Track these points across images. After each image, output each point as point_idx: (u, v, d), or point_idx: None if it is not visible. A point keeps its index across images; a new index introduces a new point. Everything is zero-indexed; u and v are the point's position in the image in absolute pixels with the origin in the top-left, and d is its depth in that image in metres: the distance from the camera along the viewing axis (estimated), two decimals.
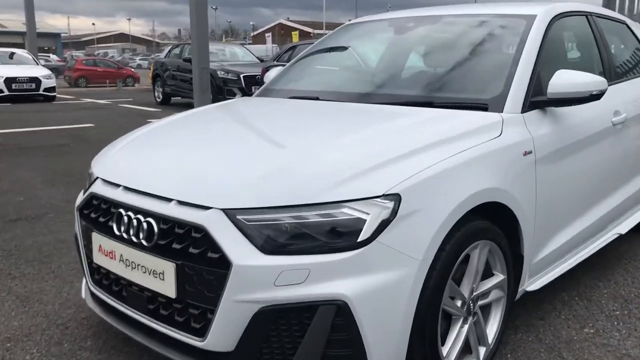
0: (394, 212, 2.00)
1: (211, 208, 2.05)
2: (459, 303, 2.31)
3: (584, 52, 3.67)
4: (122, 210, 2.30)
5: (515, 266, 2.59)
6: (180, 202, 2.14)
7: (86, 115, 13.42)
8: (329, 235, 1.96)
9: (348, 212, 1.97)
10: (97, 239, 2.42)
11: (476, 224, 2.28)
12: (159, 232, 2.15)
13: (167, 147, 2.65)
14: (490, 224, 2.36)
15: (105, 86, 27.46)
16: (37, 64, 18.33)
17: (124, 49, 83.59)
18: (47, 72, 17.42)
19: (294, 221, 1.97)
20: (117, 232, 2.30)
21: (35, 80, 16.73)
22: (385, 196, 2.01)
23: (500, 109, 2.63)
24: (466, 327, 2.35)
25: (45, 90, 16.90)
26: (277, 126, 2.80)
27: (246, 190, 2.06)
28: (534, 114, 2.72)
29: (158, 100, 16.39)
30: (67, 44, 78.72)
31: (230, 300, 1.97)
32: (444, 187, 2.14)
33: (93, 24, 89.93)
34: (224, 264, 1.97)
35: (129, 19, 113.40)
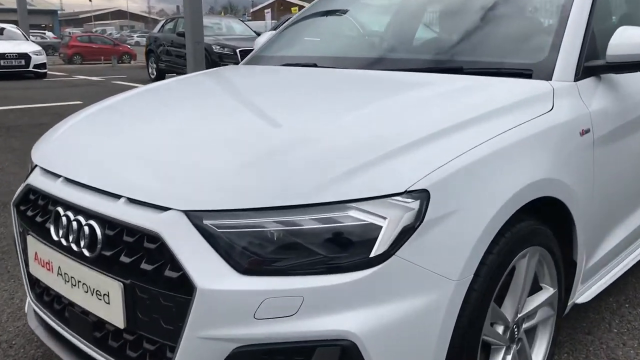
0: (421, 216, 1.45)
1: (170, 209, 1.50)
2: (500, 329, 1.77)
3: None
4: (60, 209, 1.75)
5: (566, 276, 2.04)
6: (131, 201, 1.59)
7: (76, 92, 12.82)
8: (330, 248, 1.41)
9: (357, 217, 1.42)
10: (33, 243, 1.87)
11: (525, 225, 1.72)
12: (104, 239, 1.61)
13: (125, 127, 2.08)
14: (540, 225, 1.81)
15: (100, 63, 26.76)
16: (27, 40, 17.64)
17: (122, 26, 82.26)
18: (37, 48, 16.74)
19: (282, 228, 1.42)
20: (54, 237, 1.75)
21: (25, 57, 16.05)
22: (408, 194, 1.45)
23: (548, 76, 2.05)
24: (509, 358, 1.81)
25: (36, 66, 16.24)
26: (265, 101, 2.22)
27: (218, 187, 1.51)
28: (588, 82, 2.14)
29: (152, 76, 15.75)
30: (64, 22, 77.58)
31: (193, 336, 1.43)
32: (486, 180, 1.58)
33: (90, 0, 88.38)
34: (186, 286, 1.43)
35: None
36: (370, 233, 1.42)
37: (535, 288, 1.93)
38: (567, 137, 1.91)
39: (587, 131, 2.00)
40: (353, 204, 1.43)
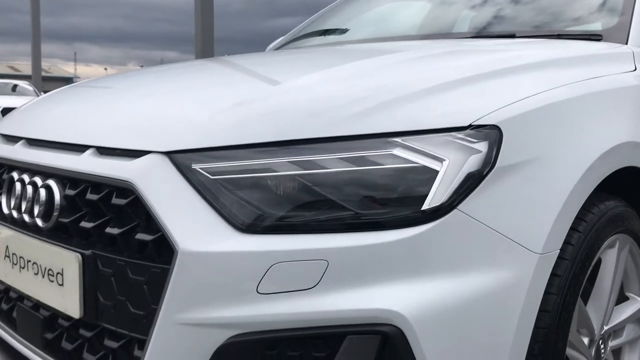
0: (491, 160, 1.05)
1: (147, 153, 1.11)
2: (586, 340, 1.33)
3: None
4: (15, 174, 1.36)
5: None
6: (99, 151, 1.20)
7: None
8: (365, 200, 1.00)
9: (403, 156, 1.02)
10: None
11: (612, 205, 1.31)
12: (62, 203, 1.21)
13: (100, 92, 1.69)
14: (629, 209, 1.39)
15: None
16: (38, 96, 17.67)
17: None
18: None
19: (297, 171, 1.02)
20: (5, 210, 1.36)
21: None
22: (473, 130, 1.06)
23: (622, 41, 1.69)
24: None
25: None
26: (274, 60, 1.84)
27: (211, 121, 1.12)
28: None
29: None
30: None
31: (171, 321, 1.01)
32: (570, 128, 1.19)
33: (105, 69, 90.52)
34: (165, 251, 1.02)
35: (142, 66, 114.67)
36: (422, 179, 1.02)
37: (620, 297, 1.49)
38: None
39: None
40: (397, 139, 1.03)
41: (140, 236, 1.07)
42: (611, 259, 1.35)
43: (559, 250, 1.11)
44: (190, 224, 1.03)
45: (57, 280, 1.19)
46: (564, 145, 1.15)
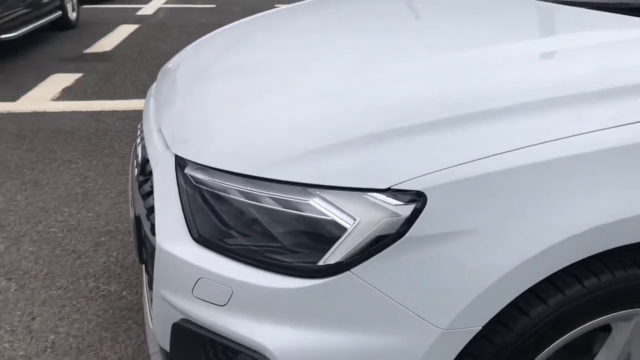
0: (406, 227, 1.01)
1: (169, 148, 1.35)
2: None
3: None
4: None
5: None
6: (158, 132, 1.48)
7: None
8: (279, 237, 1.09)
9: (318, 208, 1.06)
10: None
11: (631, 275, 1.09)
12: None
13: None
14: None
15: None
16: None
17: None
18: None
19: (239, 198, 1.14)
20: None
21: None
22: (395, 192, 1.02)
23: None
24: None
25: None
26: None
27: (206, 138, 1.28)
28: None
29: None
30: None
31: (158, 291, 1.30)
32: (529, 199, 1.02)
33: None
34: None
35: None
36: (329, 233, 1.05)
37: None
38: None
39: None
40: (317, 190, 1.06)
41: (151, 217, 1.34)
42: (625, 330, 1.15)
43: (479, 328, 1.04)
44: (169, 221, 1.26)
45: None
46: (507, 224, 1.01)
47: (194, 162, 1.24)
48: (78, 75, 5.32)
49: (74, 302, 2.17)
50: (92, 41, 6.82)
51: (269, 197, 1.10)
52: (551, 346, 1.11)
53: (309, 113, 1.20)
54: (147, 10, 9.29)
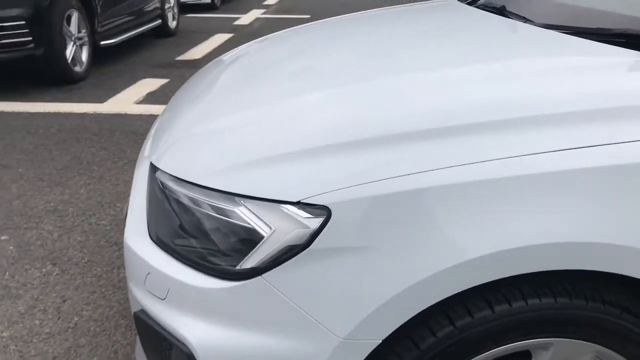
0: (311, 238, 1.08)
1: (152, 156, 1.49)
2: None
3: None
4: None
5: None
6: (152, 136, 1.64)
7: None
8: (206, 241, 1.19)
9: (243, 216, 1.15)
10: None
11: (548, 303, 1.09)
12: None
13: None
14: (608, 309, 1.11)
15: None
16: None
17: None
18: None
19: (187, 203, 1.25)
20: None
21: None
22: (305, 205, 1.09)
23: None
24: None
25: None
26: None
27: (166, 146, 1.41)
28: None
29: None
30: None
31: (128, 280, 1.43)
32: (435, 220, 1.05)
33: None
34: None
35: None
36: (250, 240, 1.13)
37: None
38: None
39: None
40: (243, 201, 1.15)
41: None
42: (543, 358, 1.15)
43: (379, 341, 1.08)
44: (137, 217, 1.40)
45: None
46: (406, 243, 1.04)
47: (160, 169, 1.36)
48: (165, 80, 5.69)
49: (103, 290, 2.37)
50: (185, 49, 7.24)
51: (207, 203, 1.20)
52: None
53: (242, 131, 1.30)
54: (244, 20, 9.71)
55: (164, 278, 1.24)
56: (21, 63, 5.26)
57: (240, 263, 1.13)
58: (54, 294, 2.35)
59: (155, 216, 1.33)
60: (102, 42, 6.15)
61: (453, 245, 1.03)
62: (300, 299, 1.09)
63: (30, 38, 5.00)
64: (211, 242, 1.18)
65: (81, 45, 5.74)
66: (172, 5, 8.24)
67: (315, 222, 1.08)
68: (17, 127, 4.35)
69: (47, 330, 2.14)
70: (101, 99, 5.05)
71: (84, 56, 5.78)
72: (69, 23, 5.46)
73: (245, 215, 1.14)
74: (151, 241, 1.32)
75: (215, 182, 1.19)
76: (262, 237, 1.12)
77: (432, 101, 1.21)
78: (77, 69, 5.62)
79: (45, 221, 2.93)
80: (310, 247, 1.07)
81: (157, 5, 7.60)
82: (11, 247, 2.69)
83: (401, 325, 1.11)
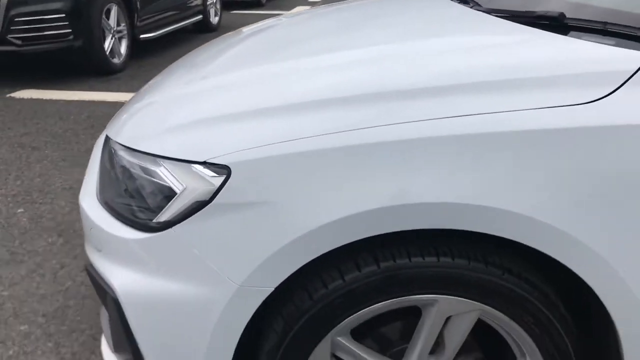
0: (214, 194, 1.20)
1: None
2: None
3: None
4: None
5: None
6: None
7: None
8: (135, 197, 1.33)
9: (163, 176, 1.28)
10: None
11: (433, 263, 1.18)
12: None
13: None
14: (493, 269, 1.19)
15: None
16: None
17: None
18: None
19: (125, 166, 1.39)
20: None
21: None
22: (210, 164, 1.21)
23: None
24: None
25: None
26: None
27: (125, 118, 1.55)
28: None
29: None
30: None
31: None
32: (319, 180, 1.15)
33: None
34: None
35: None
36: (165, 197, 1.26)
37: None
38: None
39: None
40: (163, 161, 1.28)
41: None
42: (429, 317, 1.24)
43: (272, 289, 1.19)
44: (91, 180, 1.55)
45: None
46: (300, 198, 1.15)
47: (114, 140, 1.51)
48: None
49: None
50: None
51: (138, 165, 1.34)
52: (350, 318, 1.23)
53: (175, 103, 1.44)
54: None
55: (101, 232, 1.38)
56: (62, 54, 5.56)
57: (157, 217, 1.26)
58: (54, 261, 2.54)
59: (101, 179, 1.47)
60: (141, 36, 6.42)
61: (336, 202, 1.13)
62: (203, 249, 1.21)
63: (70, 30, 5.30)
64: (140, 199, 1.31)
65: (120, 38, 6.02)
66: (214, 1, 8.49)
67: (219, 180, 1.19)
68: (51, 112, 4.63)
69: (42, 292, 2.33)
70: (135, 90, 5.29)
71: (123, 49, 6.07)
72: (108, 17, 5.75)
73: (164, 174, 1.27)
74: (97, 202, 1.46)
75: (143, 146, 1.32)
76: (176, 193, 1.24)
77: (323, 78, 1.32)
78: (116, 60, 5.90)
79: (60, 197, 3.15)
80: (212, 202, 1.19)
81: (199, 2, 7.85)
82: (24, 219, 2.91)
83: (298, 278, 1.22)
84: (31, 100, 4.97)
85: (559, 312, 1.24)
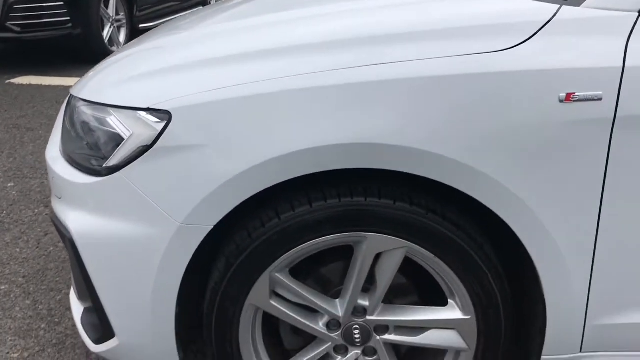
0: (157, 138, 1.29)
1: None
2: (323, 320, 1.40)
3: None
4: None
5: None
6: None
7: None
8: (91, 148, 1.42)
9: (112, 124, 1.37)
10: None
11: (358, 202, 1.26)
12: None
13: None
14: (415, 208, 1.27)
15: None
16: None
17: None
18: None
19: (82, 117, 1.48)
20: None
21: None
22: (152, 111, 1.30)
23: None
24: None
25: None
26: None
27: (90, 76, 1.64)
28: None
29: None
30: None
31: None
32: (254, 123, 1.24)
33: None
34: None
35: None
36: (114, 143, 1.35)
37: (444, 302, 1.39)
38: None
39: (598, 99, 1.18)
40: (112, 110, 1.37)
41: None
42: (359, 252, 1.33)
43: (211, 227, 1.28)
44: (56, 136, 1.64)
45: None
46: (234, 141, 1.24)
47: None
48: None
49: None
50: None
51: (92, 115, 1.43)
52: (286, 254, 1.31)
53: (133, 58, 1.53)
54: None
55: (60, 180, 1.47)
56: (61, 42, 5.68)
57: (106, 162, 1.35)
58: (39, 229, 2.65)
59: (63, 133, 1.56)
60: (140, 25, 6.53)
61: (265, 144, 1.22)
62: (148, 190, 1.30)
63: (69, 18, 5.42)
64: (96, 149, 1.40)
65: (119, 27, 6.13)
66: None
67: (160, 125, 1.28)
68: (49, 97, 4.74)
69: (24, 256, 2.43)
70: None
71: (122, 38, 6.18)
72: (106, 5, 5.86)
73: (114, 122, 1.36)
74: (59, 153, 1.55)
75: (97, 97, 1.42)
76: (123, 139, 1.33)
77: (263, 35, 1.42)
78: (114, 49, 6.00)
79: None
80: (154, 146, 1.28)
81: None
82: (14, 192, 3.02)
83: (240, 220, 1.32)
84: (30, 86, 5.09)
85: (483, 252, 1.32)
